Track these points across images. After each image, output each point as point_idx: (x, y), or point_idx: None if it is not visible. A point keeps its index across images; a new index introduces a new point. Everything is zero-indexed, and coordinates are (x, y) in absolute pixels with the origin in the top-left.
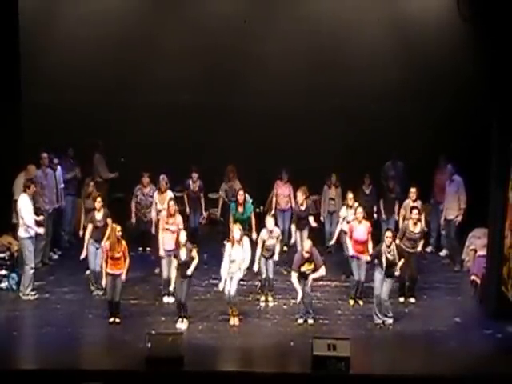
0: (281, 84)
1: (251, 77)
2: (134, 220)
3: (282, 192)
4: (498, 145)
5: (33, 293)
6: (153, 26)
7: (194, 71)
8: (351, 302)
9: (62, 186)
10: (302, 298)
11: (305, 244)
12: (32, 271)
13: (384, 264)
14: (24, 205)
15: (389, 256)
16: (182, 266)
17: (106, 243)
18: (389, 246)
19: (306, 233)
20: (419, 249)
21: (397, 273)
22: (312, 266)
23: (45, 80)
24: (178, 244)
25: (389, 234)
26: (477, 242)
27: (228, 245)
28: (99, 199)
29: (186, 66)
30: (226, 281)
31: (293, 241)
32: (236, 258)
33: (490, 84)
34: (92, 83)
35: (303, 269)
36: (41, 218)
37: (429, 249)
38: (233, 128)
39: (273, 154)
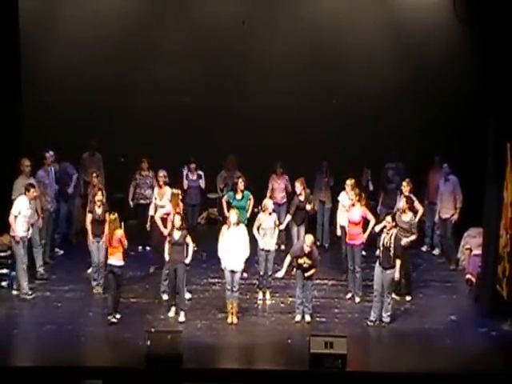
0: (279, 84)
1: (250, 77)
2: (131, 203)
3: (278, 185)
4: (493, 144)
5: (30, 292)
6: (153, 27)
7: (193, 72)
8: (349, 294)
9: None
10: (302, 290)
11: (307, 238)
12: (23, 270)
13: (380, 247)
14: (20, 208)
15: (386, 239)
16: (175, 248)
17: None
18: (389, 230)
19: (303, 229)
20: (408, 239)
21: (397, 275)
22: (310, 262)
23: (45, 80)
24: (172, 226)
25: (389, 218)
26: (472, 241)
27: (224, 227)
28: (100, 193)
29: (186, 67)
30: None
31: (295, 241)
32: (232, 241)
33: (487, 84)
34: (92, 83)
35: (301, 261)
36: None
37: (424, 248)
38: (233, 128)
39: (272, 154)
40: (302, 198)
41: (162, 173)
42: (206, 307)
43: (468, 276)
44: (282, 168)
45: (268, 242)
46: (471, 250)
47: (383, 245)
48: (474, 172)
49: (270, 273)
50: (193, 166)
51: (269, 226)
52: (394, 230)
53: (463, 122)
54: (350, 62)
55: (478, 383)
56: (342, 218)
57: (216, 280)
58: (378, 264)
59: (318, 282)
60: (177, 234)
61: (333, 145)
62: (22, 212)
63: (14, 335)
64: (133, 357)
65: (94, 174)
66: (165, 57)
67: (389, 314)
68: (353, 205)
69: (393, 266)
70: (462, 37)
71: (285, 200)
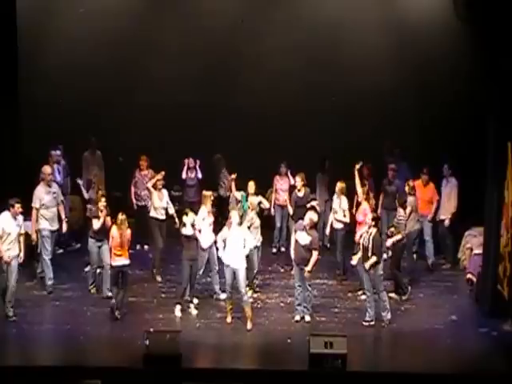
0: (279, 82)
1: (249, 75)
2: (134, 201)
3: (281, 186)
4: (494, 143)
5: None
6: (151, 25)
7: (192, 70)
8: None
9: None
10: (300, 291)
11: (308, 214)
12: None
13: (360, 246)
14: (2, 227)
15: (365, 239)
16: (190, 244)
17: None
18: (368, 229)
19: None
20: (392, 239)
21: (367, 265)
22: (308, 242)
23: (43, 79)
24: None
25: (369, 216)
26: (473, 241)
27: (225, 228)
28: (103, 199)
29: (185, 65)
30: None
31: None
32: (233, 240)
33: (487, 82)
34: (90, 82)
35: (299, 235)
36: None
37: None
38: (231, 126)
39: (272, 152)
40: (300, 194)
41: (160, 175)
42: (205, 307)
43: (469, 276)
44: (286, 168)
45: (258, 238)
46: (472, 250)
47: (363, 244)
48: (475, 171)
49: (255, 270)
50: (191, 164)
51: (257, 225)
52: (374, 230)
53: (464, 120)
54: (350, 60)
55: (478, 383)
56: (333, 220)
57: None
58: (360, 264)
59: (317, 281)
60: (190, 230)
61: (332, 143)
62: (6, 230)
63: (12, 334)
64: (131, 357)
65: (93, 173)
66: (163, 55)
67: (387, 311)
68: (359, 203)
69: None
70: (462, 35)
71: (288, 202)
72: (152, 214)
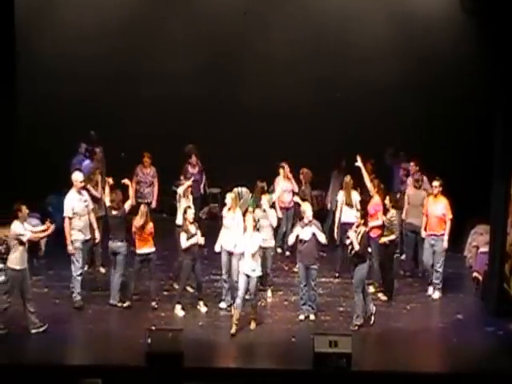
0: (284, 75)
1: (254, 67)
2: (133, 201)
3: (284, 188)
4: (501, 141)
5: None
6: (155, 15)
7: (196, 61)
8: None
9: None
10: (305, 290)
11: (304, 207)
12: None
13: (349, 246)
14: (16, 234)
15: (353, 238)
16: (193, 241)
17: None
18: (357, 227)
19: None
20: (387, 238)
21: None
22: (311, 234)
23: (42, 68)
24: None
25: (357, 214)
26: (479, 239)
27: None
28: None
29: (190, 56)
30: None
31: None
32: (249, 245)
33: (494, 78)
34: (92, 72)
35: (301, 234)
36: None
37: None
38: (236, 119)
39: (276, 147)
40: (303, 188)
41: (191, 182)
42: (207, 305)
43: (475, 274)
44: (287, 168)
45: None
46: (478, 248)
47: (350, 244)
48: (482, 168)
49: (268, 269)
50: (193, 159)
51: (265, 224)
52: (363, 228)
53: (471, 116)
54: (356, 54)
55: (484, 382)
56: (344, 216)
57: (218, 277)
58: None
59: (323, 279)
60: (192, 228)
61: (338, 138)
62: (23, 238)
63: (11, 333)
64: (133, 355)
65: (97, 171)
66: (168, 46)
67: (357, 314)
68: (371, 196)
69: (360, 262)
70: (468, 29)
71: (292, 203)
72: (178, 221)
